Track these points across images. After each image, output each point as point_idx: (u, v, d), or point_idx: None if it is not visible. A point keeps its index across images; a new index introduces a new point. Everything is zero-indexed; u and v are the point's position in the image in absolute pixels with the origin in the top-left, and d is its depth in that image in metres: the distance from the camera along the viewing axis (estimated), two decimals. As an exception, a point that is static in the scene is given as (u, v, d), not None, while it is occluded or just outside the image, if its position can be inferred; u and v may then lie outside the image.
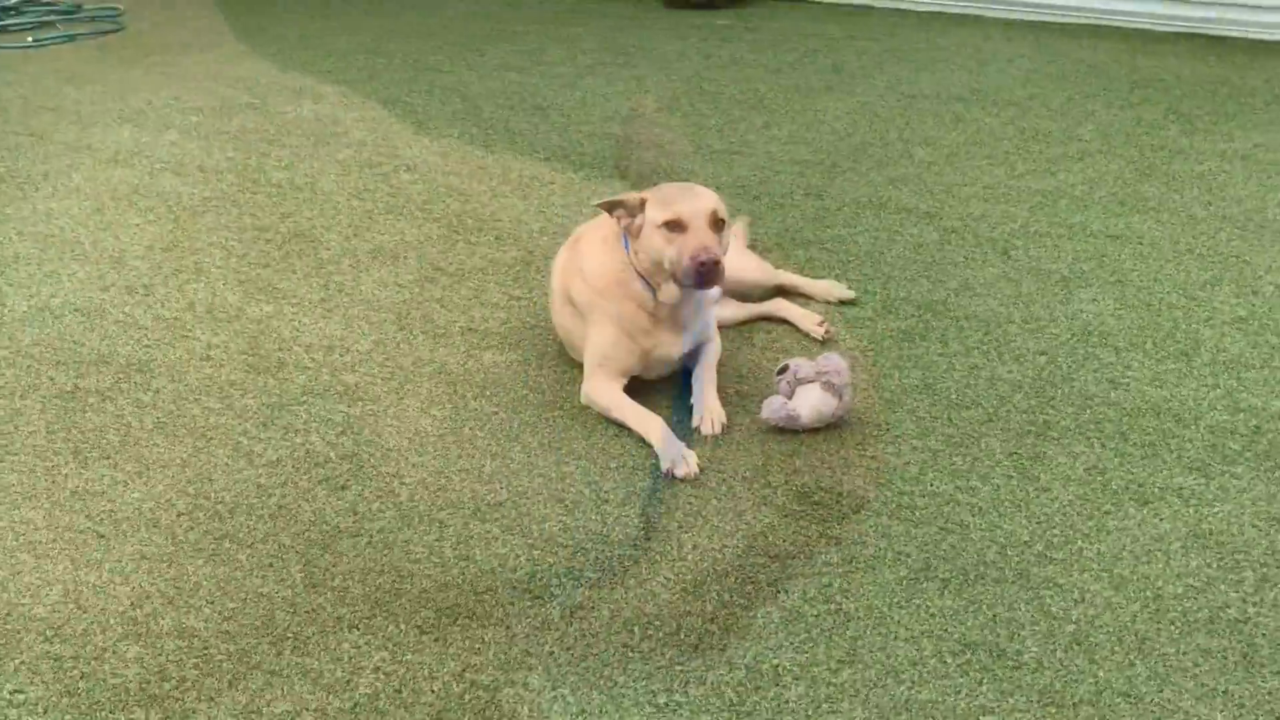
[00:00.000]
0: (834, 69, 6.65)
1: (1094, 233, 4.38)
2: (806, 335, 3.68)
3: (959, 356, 3.54)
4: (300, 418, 3.26)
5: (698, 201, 3.12)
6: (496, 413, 3.28)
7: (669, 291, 3.17)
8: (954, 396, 3.33)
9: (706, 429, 3.18)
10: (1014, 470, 3.00)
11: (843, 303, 3.89)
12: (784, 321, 3.78)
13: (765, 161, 5.18)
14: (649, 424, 3.14)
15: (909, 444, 3.12)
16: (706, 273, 3.04)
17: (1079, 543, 2.74)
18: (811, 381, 3.18)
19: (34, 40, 7.19)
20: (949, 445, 3.11)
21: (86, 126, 5.72)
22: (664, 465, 3.01)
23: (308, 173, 5.08)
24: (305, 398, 3.36)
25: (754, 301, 3.84)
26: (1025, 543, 2.74)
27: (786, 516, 2.84)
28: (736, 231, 4.08)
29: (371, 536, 2.78)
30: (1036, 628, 2.49)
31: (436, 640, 2.47)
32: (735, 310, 3.77)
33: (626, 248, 3.22)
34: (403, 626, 2.50)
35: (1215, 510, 2.84)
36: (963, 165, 5.10)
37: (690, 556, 2.71)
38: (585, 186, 4.90)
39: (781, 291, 3.91)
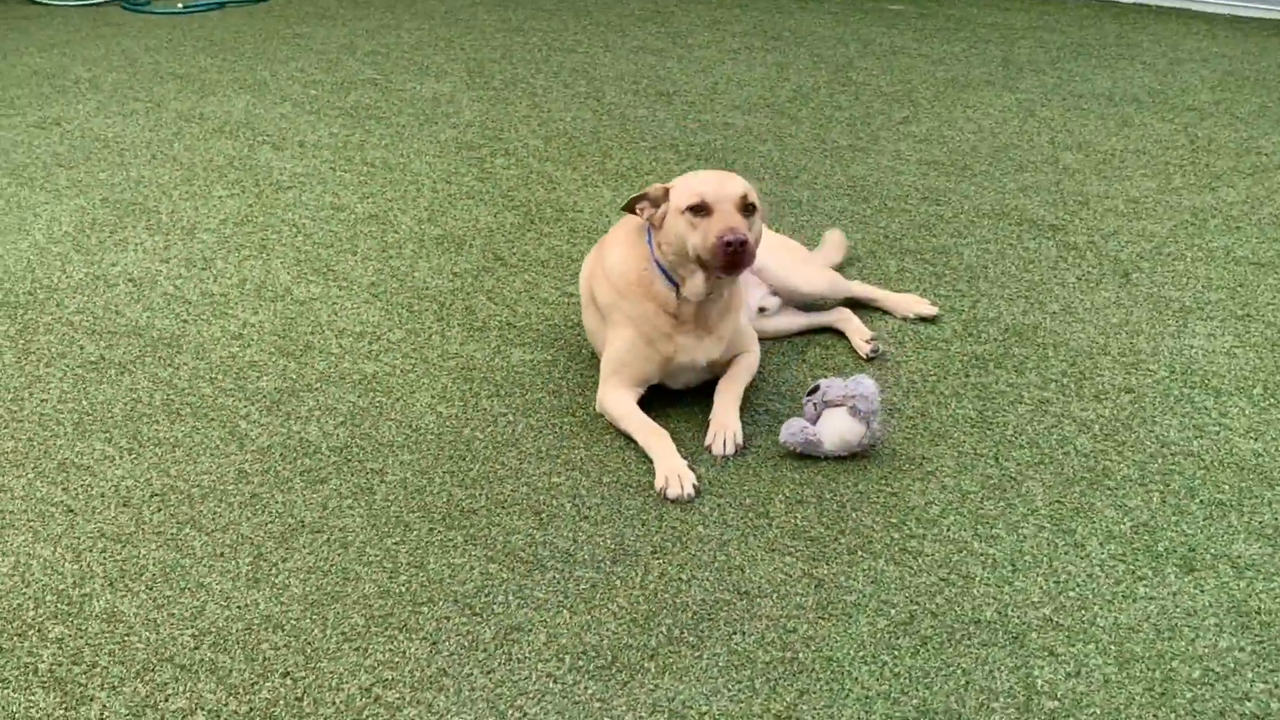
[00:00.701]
0: (1002, 62, 6.41)
1: (1237, 258, 4.09)
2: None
3: (1030, 389, 3.35)
4: (306, 405, 3.33)
5: (724, 185, 3.06)
6: (504, 414, 3.28)
7: (694, 286, 3.10)
8: (1009, 433, 3.15)
9: (718, 449, 3.11)
10: (1049, 521, 2.82)
11: (922, 319, 3.73)
12: (845, 336, 3.66)
13: (890, 160, 5.03)
14: (653, 438, 3.08)
15: (939, 482, 2.97)
16: (734, 253, 2.96)
17: (1095, 608, 2.55)
18: (839, 405, 3.06)
19: (184, 6, 7.56)
20: (984, 487, 2.95)
21: (205, 95, 5.98)
22: (657, 484, 2.96)
23: (404, 153, 5.19)
24: (319, 384, 3.43)
25: (821, 312, 3.72)
26: (1033, 603, 2.57)
27: (773, 551, 2.74)
28: (835, 243, 3.99)
29: (332, 534, 2.82)
30: (1012, 700, 2.33)
31: (357, 649, 2.48)
32: (792, 319, 3.68)
33: (651, 244, 3.17)
34: (328, 631, 2.52)
35: (1271, 586, 2.60)
36: (1111, 174, 4.84)
37: (653, 585, 2.64)
38: (680, 179, 4.85)
39: (856, 304, 3.78)
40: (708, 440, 3.14)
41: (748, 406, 3.30)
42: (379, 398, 3.37)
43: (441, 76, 6.25)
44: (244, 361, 3.56)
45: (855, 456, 3.08)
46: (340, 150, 5.22)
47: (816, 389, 3.14)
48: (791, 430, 3.08)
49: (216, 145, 5.30)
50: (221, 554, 2.76)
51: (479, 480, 3.01)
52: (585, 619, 2.56)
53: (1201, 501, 2.89)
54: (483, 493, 2.96)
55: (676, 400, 3.32)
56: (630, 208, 3.16)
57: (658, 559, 2.73)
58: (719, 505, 2.91)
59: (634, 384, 3.24)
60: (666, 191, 3.11)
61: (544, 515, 2.88)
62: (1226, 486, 2.94)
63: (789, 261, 3.66)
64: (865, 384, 3.06)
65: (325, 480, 3.02)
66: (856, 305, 3.80)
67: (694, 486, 2.95)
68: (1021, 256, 4.15)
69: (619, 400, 3.20)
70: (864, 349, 3.53)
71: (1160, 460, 3.05)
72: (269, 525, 2.85)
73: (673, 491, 2.93)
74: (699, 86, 6.06)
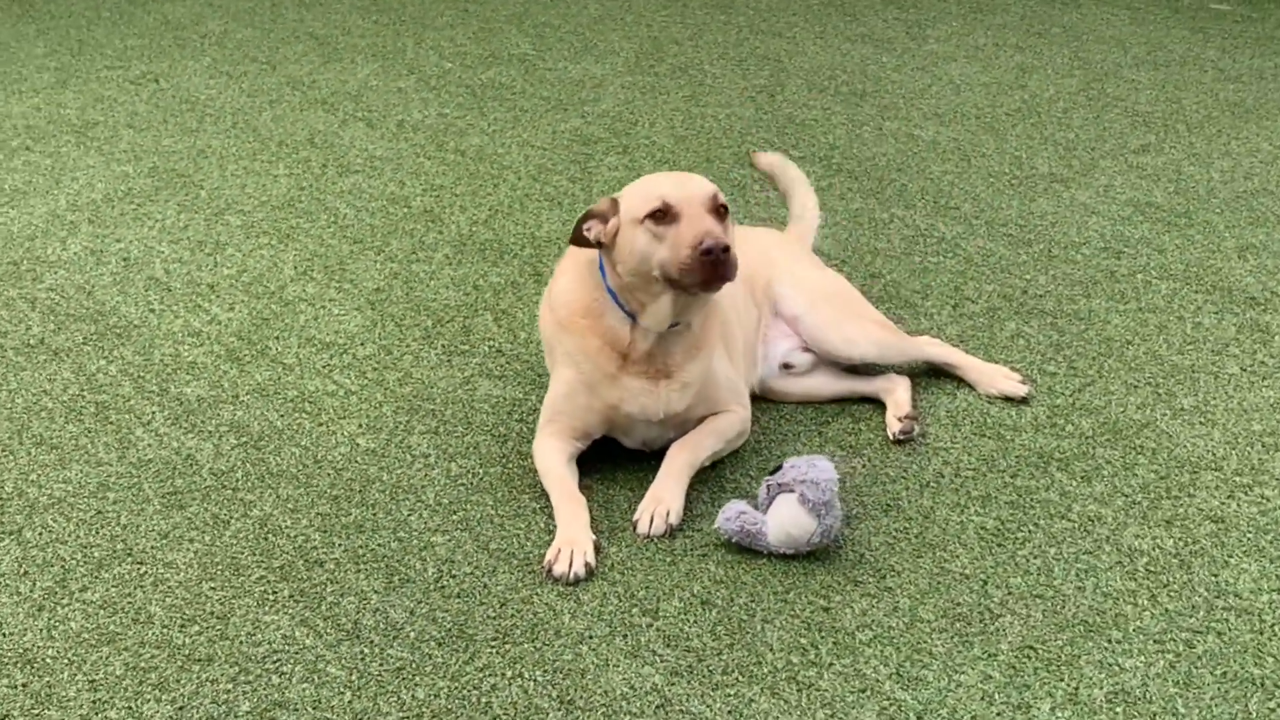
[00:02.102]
0: (1320, 85, 6.01)
1: None
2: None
3: (1085, 502, 3.17)
4: (220, 419, 3.51)
5: (688, 185, 3.06)
6: (428, 455, 3.36)
7: (658, 311, 3.09)
8: (1022, 554, 3.00)
9: (643, 526, 3.09)
10: (1003, 671, 2.67)
11: (1006, 399, 3.58)
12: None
13: (1091, 197, 4.83)
14: (565, 502, 3.10)
15: (891, 603, 2.86)
16: (715, 263, 2.93)
17: (991, 790, 2.39)
18: (791, 491, 2.99)
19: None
20: (945, 618, 2.82)
21: (329, 60, 6.36)
22: (547, 555, 2.97)
23: (507, 142, 5.36)
24: (247, 397, 3.61)
25: (867, 377, 3.63)
26: (914, 771, 2.44)
27: (635, 657, 2.72)
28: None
29: (153, 568, 2.97)
30: None
31: (94, 703, 2.61)
32: (827, 382, 3.61)
33: (603, 272, 3.18)
34: (77, 678, 2.67)
35: (1250, 798, 2.37)
36: (1374, 239, 4.48)
37: (469, 677, 2.67)
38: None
39: (934, 369, 3.69)
40: (636, 514, 3.11)
41: (711, 479, 3.26)
42: (302, 419, 3.50)
43: (603, 57, 6.39)
44: (184, 362, 3.77)
45: (807, 556, 2.98)
46: (437, 134, 5.43)
47: (779, 468, 3.07)
48: (728, 515, 3.03)
49: (307, 118, 5.61)
50: (26, 573, 2.95)
51: (348, 528, 3.09)
52: (365, 706, 2.60)
53: (1224, 674, 2.66)
54: (343, 543, 3.04)
55: (635, 460, 3.31)
56: (578, 238, 3.17)
57: (492, 647, 2.74)
58: (605, 593, 2.89)
59: (572, 436, 3.24)
60: (615, 203, 3.10)
61: (396, 579, 2.93)
62: (1271, 660, 2.69)
63: (831, 314, 3.57)
64: (820, 468, 2.97)
65: (184, 506, 3.17)
66: (935, 372, 3.67)
67: (586, 566, 2.94)
68: (1185, 335, 3.90)
69: (547, 453, 3.22)
70: (893, 427, 3.41)
71: (1202, 613, 2.82)
72: (93, 548, 3.03)
73: (559, 568, 2.93)
74: (905, 88, 5.97)
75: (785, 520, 2.96)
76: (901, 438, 3.36)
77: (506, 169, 5.09)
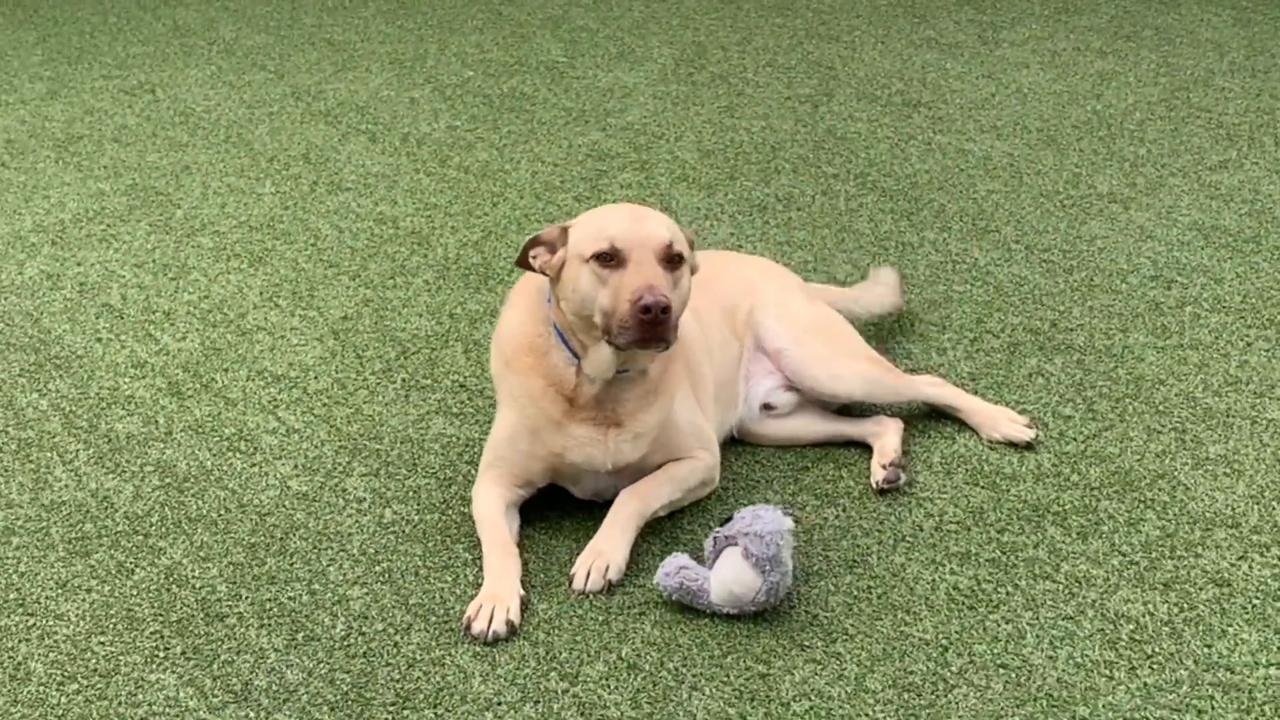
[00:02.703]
0: None
1: None
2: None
3: (1076, 561, 3.13)
4: (146, 458, 3.57)
5: (642, 226, 3.04)
6: (363, 500, 3.39)
7: (597, 360, 3.09)
8: (993, 620, 2.97)
9: (578, 581, 3.09)
10: (948, 749, 2.63)
11: (1010, 444, 3.54)
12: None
13: (1149, 219, 4.77)
14: (497, 554, 3.11)
15: (836, 669, 2.85)
16: (652, 321, 2.94)
17: None
18: (736, 544, 2.98)
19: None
20: (893, 688, 2.80)
21: (342, 69, 6.45)
22: (468, 611, 2.98)
23: (516, 158, 5.40)
24: (180, 434, 3.66)
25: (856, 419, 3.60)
26: None
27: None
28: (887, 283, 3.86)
29: (42, 620, 3.03)
30: None
31: (-49, 763, 2.65)
32: (810, 424, 3.59)
33: (551, 302, 3.20)
34: (-62, 735, 2.71)
35: None
36: None
37: (355, 745, 2.68)
38: (831, 228, 4.79)
39: (931, 409, 3.68)
40: (574, 567, 3.11)
41: (665, 529, 3.27)
42: (234, 460, 3.54)
43: (639, 64, 6.42)
44: (122, 395, 3.83)
45: (754, 616, 2.97)
46: (442, 148, 5.49)
47: (730, 518, 3.06)
48: (668, 570, 3.02)
49: (306, 131, 5.69)
50: (-95, 623, 3.01)
51: (260, 579, 3.12)
52: (239, 773, 2.61)
53: (1196, 758, 2.60)
54: (250, 595, 3.07)
55: (584, 508, 3.32)
56: (525, 260, 3.18)
57: (389, 713, 2.76)
58: (524, 654, 2.89)
59: (513, 483, 3.25)
60: (565, 233, 3.11)
61: (301, 635, 2.96)
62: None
63: (818, 347, 3.55)
64: (766, 519, 2.95)
65: (90, 553, 3.22)
66: (937, 414, 3.64)
67: (508, 624, 2.94)
68: (1227, 374, 3.83)
69: (485, 500, 3.24)
70: (877, 475, 3.38)
71: (1185, 688, 2.77)
72: (-17, 597, 3.08)
73: (478, 625, 2.94)
74: (966, 97, 5.93)
75: (728, 577, 2.94)
76: (886, 486, 3.33)
77: (510, 187, 5.12)
